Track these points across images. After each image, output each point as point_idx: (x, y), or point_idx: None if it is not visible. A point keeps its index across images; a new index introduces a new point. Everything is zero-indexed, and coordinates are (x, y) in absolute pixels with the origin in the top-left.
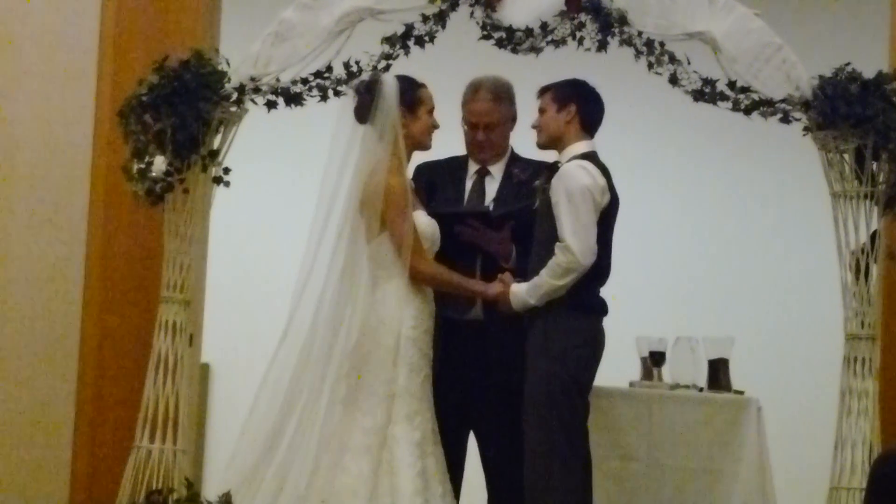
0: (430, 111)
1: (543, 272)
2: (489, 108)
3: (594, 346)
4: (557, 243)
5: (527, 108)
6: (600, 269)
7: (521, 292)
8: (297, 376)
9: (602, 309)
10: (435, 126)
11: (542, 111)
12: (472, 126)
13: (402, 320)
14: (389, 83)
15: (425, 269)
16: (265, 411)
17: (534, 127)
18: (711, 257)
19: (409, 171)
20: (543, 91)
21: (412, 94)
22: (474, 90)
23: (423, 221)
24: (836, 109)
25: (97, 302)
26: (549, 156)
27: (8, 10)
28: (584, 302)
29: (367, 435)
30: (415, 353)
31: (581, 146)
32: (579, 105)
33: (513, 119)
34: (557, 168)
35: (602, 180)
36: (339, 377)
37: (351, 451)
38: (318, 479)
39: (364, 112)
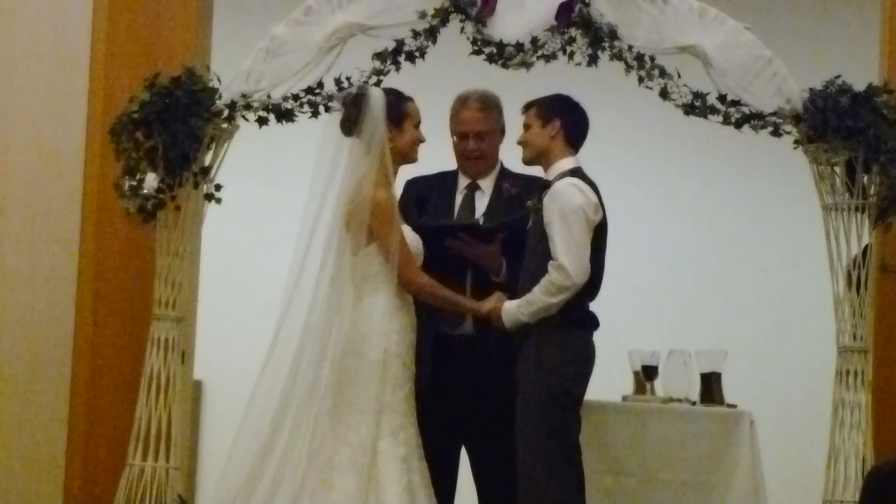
0: (417, 125)
1: (536, 290)
2: (479, 116)
3: (585, 360)
4: (551, 262)
5: (516, 122)
6: (591, 285)
7: (514, 309)
8: (287, 391)
9: (593, 323)
10: (421, 140)
11: (526, 127)
12: (463, 136)
13: (386, 335)
14: (376, 96)
15: (419, 281)
16: (255, 426)
17: (519, 143)
18: (703, 271)
19: (398, 184)
20: (528, 107)
21: (399, 108)
22: (463, 101)
23: (409, 237)
24: (826, 122)
25: (89, 319)
26: (537, 170)
27: None
28: (575, 316)
29: (353, 450)
30: (399, 368)
31: (567, 162)
32: (564, 120)
33: (502, 131)
34: (548, 186)
35: (594, 197)
36: (326, 391)
37: (336, 468)
38: (304, 497)
39: (350, 125)
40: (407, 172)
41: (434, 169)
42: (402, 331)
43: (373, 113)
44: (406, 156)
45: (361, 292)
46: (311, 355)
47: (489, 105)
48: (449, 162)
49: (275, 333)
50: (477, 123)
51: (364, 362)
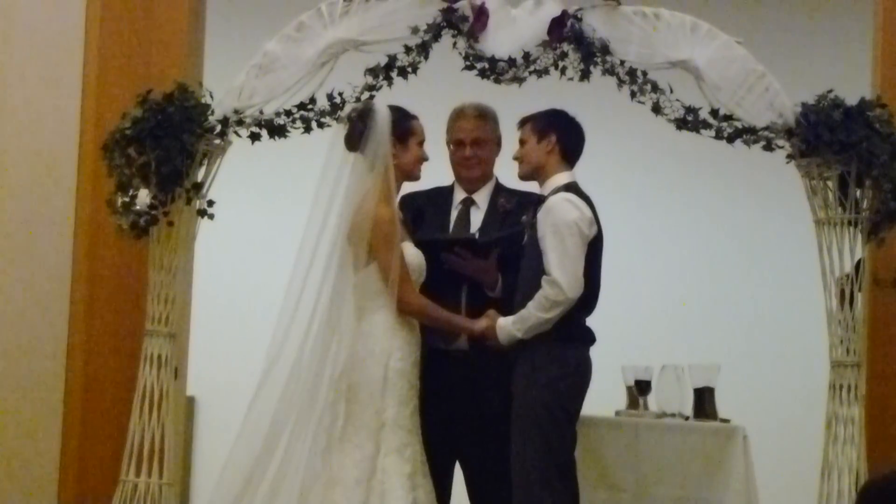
0: (421, 143)
1: (531, 305)
2: (476, 123)
3: (581, 375)
4: (545, 276)
5: (511, 138)
6: (587, 299)
7: (508, 326)
8: (283, 407)
9: (589, 338)
10: (424, 158)
11: (522, 142)
12: (459, 143)
13: (390, 352)
14: (382, 112)
15: (414, 302)
16: (250, 442)
17: (515, 158)
18: (696, 285)
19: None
20: (523, 122)
21: (404, 125)
22: (459, 110)
23: (411, 252)
24: (819, 136)
25: (82, 335)
26: (532, 186)
27: None
28: (570, 332)
29: (357, 467)
30: (404, 385)
31: (562, 177)
32: (559, 135)
33: (498, 143)
34: (544, 201)
35: (588, 212)
36: (325, 407)
37: (341, 484)
38: None
39: (355, 140)
40: (402, 189)
41: (429, 185)
42: (405, 347)
43: (378, 129)
44: (409, 173)
45: (364, 310)
46: (308, 371)
47: (486, 114)
48: (442, 178)
49: (276, 347)
50: (474, 130)
51: (368, 380)
